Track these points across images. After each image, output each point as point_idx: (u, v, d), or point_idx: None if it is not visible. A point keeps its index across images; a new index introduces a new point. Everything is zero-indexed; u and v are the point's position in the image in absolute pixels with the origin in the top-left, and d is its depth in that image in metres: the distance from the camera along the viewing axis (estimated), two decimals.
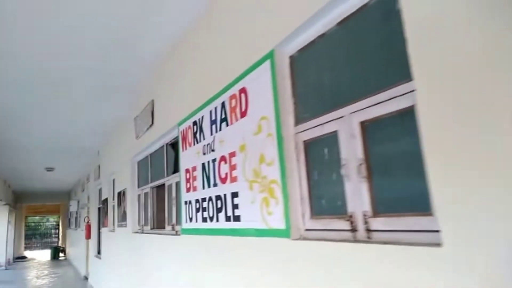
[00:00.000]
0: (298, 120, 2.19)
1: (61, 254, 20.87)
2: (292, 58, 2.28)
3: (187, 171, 3.65)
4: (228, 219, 2.79)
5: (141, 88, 5.08)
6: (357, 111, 1.79)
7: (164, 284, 4.30)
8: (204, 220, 3.20)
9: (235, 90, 2.75)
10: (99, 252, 9.60)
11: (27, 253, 23.24)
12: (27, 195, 19.74)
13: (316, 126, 2.04)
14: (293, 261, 2.08)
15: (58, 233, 26.19)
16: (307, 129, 2.11)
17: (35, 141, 8.31)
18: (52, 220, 29.84)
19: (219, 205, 2.94)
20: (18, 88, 5.14)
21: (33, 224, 29.74)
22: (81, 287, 10.59)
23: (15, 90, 5.20)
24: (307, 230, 2.07)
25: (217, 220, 2.96)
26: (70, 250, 19.11)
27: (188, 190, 3.60)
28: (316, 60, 2.12)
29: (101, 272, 8.62)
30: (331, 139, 1.94)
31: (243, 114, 2.62)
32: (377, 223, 1.67)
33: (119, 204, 6.78)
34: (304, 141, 2.13)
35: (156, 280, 4.58)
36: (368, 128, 1.76)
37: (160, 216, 4.94)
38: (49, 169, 11.74)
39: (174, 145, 4.50)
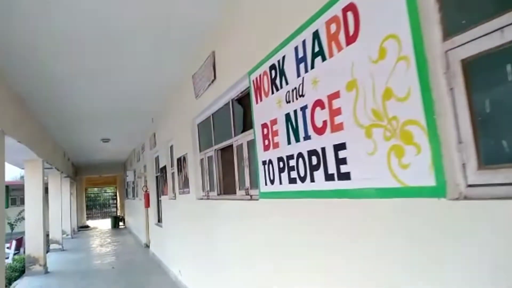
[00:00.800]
0: (449, 32, 1.53)
1: (120, 223, 21.68)
2: None
3: (263, 126, 3.11)
4: (329, 178, 2.23)
5: (200, 39, 4.51)
6: None
7: (235, 253, 3.90)
8: (292, 181, 2.67)
9: (335, 10, 2.11)
10: (159, 221, 9.55)
11: (89, 223, 24.46)
12: (85, 167, 20.46)
13: (486, 35, 1.38)
14: (446, 231, 1.49)
15: (116, 203, 27.33)
16: (468, 42, 1.45)
17: (91, 112, 8.19)
18: (109, 191, 31.30)
19: (314, 162, 2.38)
20: (72, 56, 4.84)
21: (92, 195, 31.46)
22: (143, 254, 10.72)
23: (70, 58, 4.93)
24: (470, 186, 1.46)
25: (312, 180, 2.41)
26: (129, 219, 19.74)
27: (266, 148, 3.08)
28: None
29: (163, 241, 8.54)
30: None
31: (352, 39, 1.99)
32: None
33: (180, 170, 6.46)
34: (463, 59, 1.48)
35: (226, 248, 4.19)
36: None
37: (228, 180, 4.50)
38: (105, 140, 11.78)
39: (241, 100, 3.97)
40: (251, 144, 3.57)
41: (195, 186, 5.49)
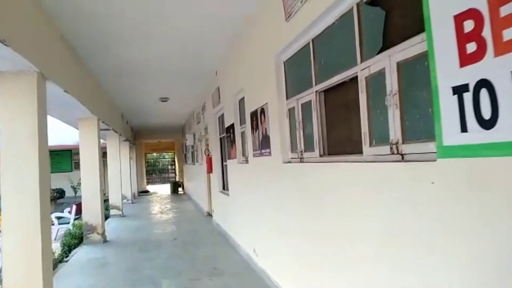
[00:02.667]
0: None
1: (179, 189, 21.32)
2: None
3: (462, 17, 1.60)
4: None
5: None
6: None
7: (358, 249, 2.52)
8: None
9: None
10: (224, 188, 8.43)
11: (149, 188, 24.45)
12: (144, 132, 20.09)
13: None
14: None
15: (174, 169, 27.23)
16: None
17: (149, 66, 7.13)
18: (167, 157, 31.41)
19: None
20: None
21: (152, 160, 31.73)
22: (206, 224, 9.75)
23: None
24: None
25: None
26: (188, 185, 19.18)
27: (468, 59, 1.57)
28: None
29: (230, 211, 7.40)
30: None
31: None
32: None
33: (254, 127, 5.11)
34: None
35: (338, 237, 2.83)
36: None
37: (339, 134, 3.08)
38: (164, 100, 10.73)
39: (375, 1, 2.45)
40: (409, 65, 2.08)
41: (280, 145, 4.11)
